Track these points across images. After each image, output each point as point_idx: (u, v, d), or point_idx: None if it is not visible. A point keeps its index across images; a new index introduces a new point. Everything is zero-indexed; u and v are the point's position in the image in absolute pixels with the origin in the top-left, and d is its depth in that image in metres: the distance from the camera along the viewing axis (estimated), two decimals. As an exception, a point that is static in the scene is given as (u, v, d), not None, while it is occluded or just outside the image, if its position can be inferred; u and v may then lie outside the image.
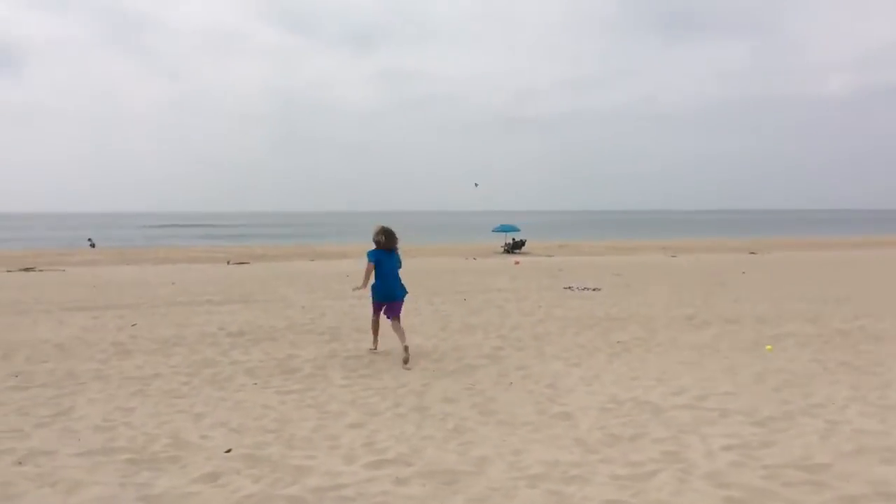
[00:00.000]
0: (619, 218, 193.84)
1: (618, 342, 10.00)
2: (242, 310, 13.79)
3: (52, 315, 13.16)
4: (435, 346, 9.85)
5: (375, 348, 9.58)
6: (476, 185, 62.15)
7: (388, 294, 9.21)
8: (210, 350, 9.62)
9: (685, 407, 6.61)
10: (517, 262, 29.66)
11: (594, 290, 17.12)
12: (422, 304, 14.28)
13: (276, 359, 9.02)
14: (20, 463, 5.27)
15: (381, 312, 9.39)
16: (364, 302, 13.80)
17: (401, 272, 9.34)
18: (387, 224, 9.37)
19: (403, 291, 9.35)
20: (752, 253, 36.86)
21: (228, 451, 5.54)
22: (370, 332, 9.75)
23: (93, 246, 52.74)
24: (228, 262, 32.14)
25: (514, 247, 43.64)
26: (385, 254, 9.13)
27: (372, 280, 9.19)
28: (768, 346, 9.50)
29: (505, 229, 46.17)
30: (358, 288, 9.25)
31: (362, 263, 9.38)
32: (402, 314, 9.48)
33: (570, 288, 17.63)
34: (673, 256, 34.45)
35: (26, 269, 27.51)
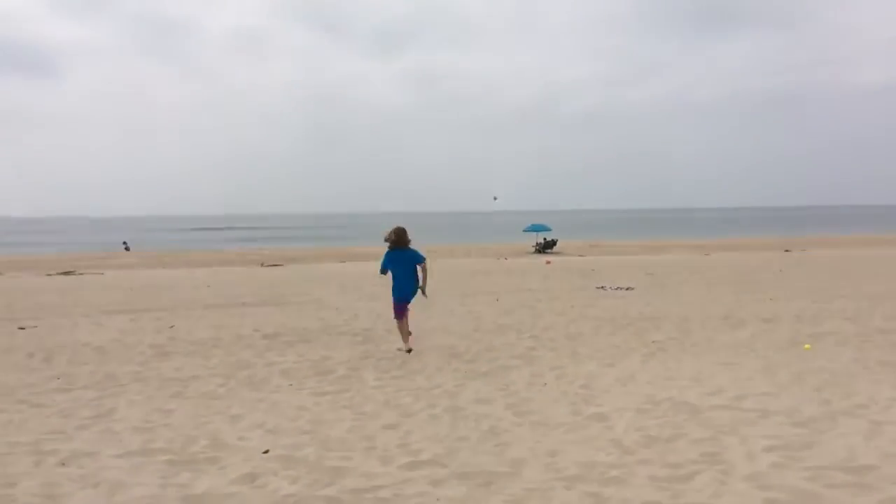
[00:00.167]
0: (651, 216, 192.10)
1: (652, 342, 9.91)
2: (276, 312, 13.92)
3: (92, 318, 13.41)
4: (468, 346, 9.84)
5: (405, 348, 9.62)
6: (495, 198, 61.16)
7: (403, 296, 9.56)
8: (246, 352, 9.73)
9: (723, 407, 6.51)
10: (548, 262, 29.55)
11: (627, 289, 16.98)
12: (454, 305, 14.29)
13: (310, 360, 9.09)
14: (64, 464, 5.37)
15: (402, 313, 9.65)
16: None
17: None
18: (402, 225, 9.73)
19: (415, 293, 9.60)
20: (787, 251, 36.29)
21: (266, 452, 5.59)
22: (398, 332, 9.87)
23: (128, 249, 53.63)
24: (262, 265, 32.46)
25: (546, 246, 43.44)
26: (399, 253, 9.46)
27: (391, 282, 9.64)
28: (807, 346, 9.34)
29: (536, 229, 45.98)
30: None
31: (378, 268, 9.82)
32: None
33: (602, 287, 17.52)
34: (706, 255, 34.04)
35: (66, 273, 28.06)
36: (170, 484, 4.95)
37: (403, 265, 9.52)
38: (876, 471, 4.84)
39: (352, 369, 8.55)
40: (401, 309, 9.62)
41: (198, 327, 11.97)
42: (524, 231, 48.13)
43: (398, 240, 9.45)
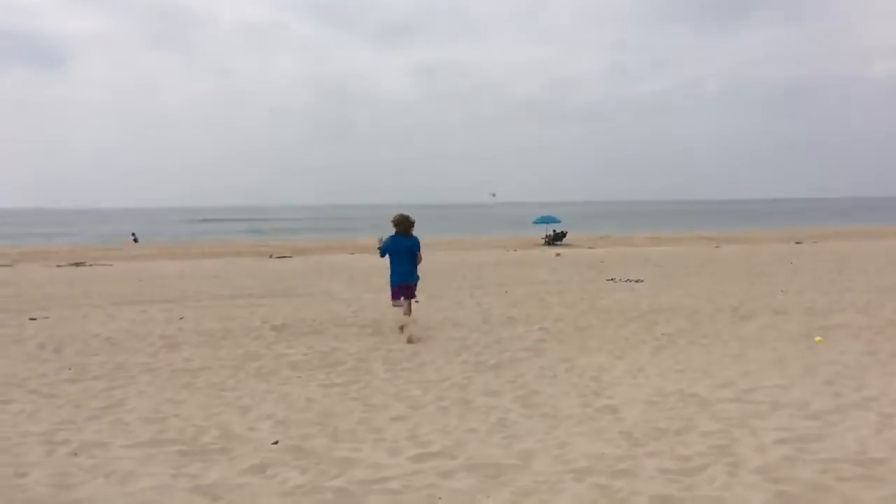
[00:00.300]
0: (661, 208, 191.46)
1: (662, 334, 9.88)
2: (285, 303, 13.95)
3: (102, 309, 13.48)
4: (477, 339, 9.84)
5: (402, 330, 10.10)
6: (493, 195, 60.67)
7: (401, 280, 10.07)
8: (255, 343, 9.76)
9: (733, 400, 6.49)
10: (558, 254, 29.49)
11: (637, 281, 16.94)
12: (464, 297, 14.30)
13: (319, 352, 9.11)
14: (75, 454, 5.41)
15: (401, 297, 10.14)
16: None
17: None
18: (409, 214, 10.29)
19: (415, 277, 10.19)
20: (798, 243, 36.08)
21: (275, 443, 5.61)
22: (396, 313, 10.50)
23: (136, 241, 53.76)
24: (271, 256, 32.53)
25: (555, 238, 43.36)
26: (401, 238, 10.02)
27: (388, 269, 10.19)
28: (818, 338, 9.29)
29: (545, 220, 45.90)
30: (377, 244, 10.26)
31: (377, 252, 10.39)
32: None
33: (612, 280, 17.48)
34: (717, 247, 33.90)
35: (76, 265, 28.20)
36: (180, 474, 4.98)
37: (404, 251, 10.03)
38: (887, 463, 4.82)
39: (361, 361, 8.56)
40: (398, 293, 10.09)
41: (207, 318, 12.01)
42: (534, 223, 48.04)
43: (401, 226, 10.02)
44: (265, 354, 9.03)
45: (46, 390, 7.36)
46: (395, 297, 10.14)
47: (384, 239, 10.19)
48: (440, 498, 4.50)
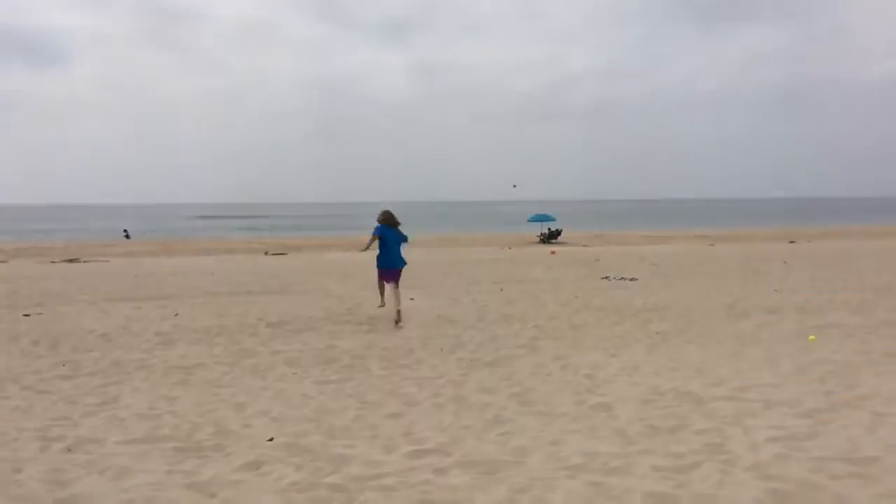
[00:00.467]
0: (656, 207, 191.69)
1: (656, 332, 9.92)
2: (281, 300, 13.95)
3: (97, 305, 13.46)
4: (472, 336, 9.87)
5: (383, 304, 11.80)
6: (515, 186, 60.50)
7: (389, 264, 11.20)
8: (250, 340, 9.77)
9: (727, 398, 6.53)
10: (553, 252, 29.53)
11: (631, 279, 16.97)
12: (459, 294, 14.31)
13: (315, 349, 9.12)
14: (70, 450, 5.41)
15: (385, 279, 11.37)
16: (402, 292, 13.90)
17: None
18: (393, 209, 11.56)
19: (402, 262, 11.34)
20: (792, 242, 36.20)
21: (271, 439, 5.62)
22: (377, 292, 11.91)
23: (128, 237, 53.56)
24: (266, 253, 32.50)
25: (551, 236, 43.40)
26: (388, 229, 11.14)
27: (378, 253, 11.28)
28: (811, 337, 9.33)
29: (541, 219, 45.94)
30: (363, 249, 11.97)
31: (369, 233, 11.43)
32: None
33: (607, 278, 17.51)
34: (711, 245, 33.99)
35: (71, 261, 28.14)
36: (175, 471, 4.99)
37: (392, 239, 11.16)
38: (879, 462, 4.85)
39: (356, 358, 8.57)
40: (385, 276, 11.32)
41: (202, 315, 12.01)
42: (529, 221, 48.08)
43: (387, 218, 11.19)
44: (261, 351, 9.04)
45: (41, 386, 7.36)
46: (382, 278, 11.43)
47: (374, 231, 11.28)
48: None
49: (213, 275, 19.90)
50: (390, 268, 11.23)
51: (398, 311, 10.84)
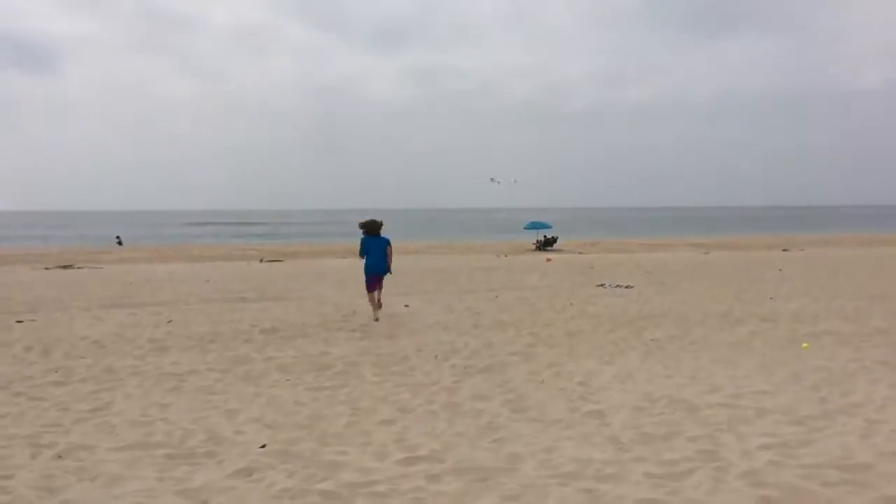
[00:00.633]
0: (652, 215, 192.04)
1: (651, 340, 9.92)
2: (275, 307, 13.93)
3: (90, 312, 13.42)
4: (466, 343, 9.85)
5: (377, 319, 11.77)
6: (497, 181, 60.09)
7: (374, 271, 11.83)
8: (244, 347, 9.74)
9: (720, 405, 6.52)
10: (549, 260, 29.55)
11: (627, 287, 16.98)
12: (454, 301, 14.30)
13: (308, 355, 9.10)
14: (61, 457, 5.38)
15: (370, 286, 11.88)
16: (397, 299, 13.89)
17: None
18: (375, 218, 12.14)
19: (384, 270, 11.88)
20: (785, 250, 36.30)
21: (263, 446, 5.60)
22: (370, 306, 12.08)
23: (121, 244, 53.39)
24: (262, 260, 32.46)
25: (546, 244, 43.45)
26: (372, 238, 11.84)
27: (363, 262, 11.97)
28: (805, 344, 9.35)
29: (536, 226, 45.99)
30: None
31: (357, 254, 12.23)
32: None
33: (602, 285, 17.53)
34: (706, 253, 34.05)
35: (64, 267, 28.06)
36: (167, 477, 4.97)
37: (375, 248, 11.80)
38: (871, 469, 4.86)
39: (350, 365, 8.55)
40: (372, 283, 11.85)
41: (196, 322, 11.97)
42: (525, 228, 48.14)
43: (370, 228, 11.83)
44: (254, 358, 9.01)
45: (32, 393, 7.32)
46: (369, 286, 11.92)
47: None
48: None
49: (208, 281, 19.86)
50: (376, 275, 11.87)
51: (377, 313, 11.85)
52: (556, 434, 5.82)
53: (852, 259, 26.85)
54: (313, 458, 5.31)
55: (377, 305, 11.94)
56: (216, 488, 4.76)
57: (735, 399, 6.73)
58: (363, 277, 12.03)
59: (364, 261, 11.89)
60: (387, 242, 11.92)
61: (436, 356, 8.95)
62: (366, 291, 12.06)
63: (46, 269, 27.13)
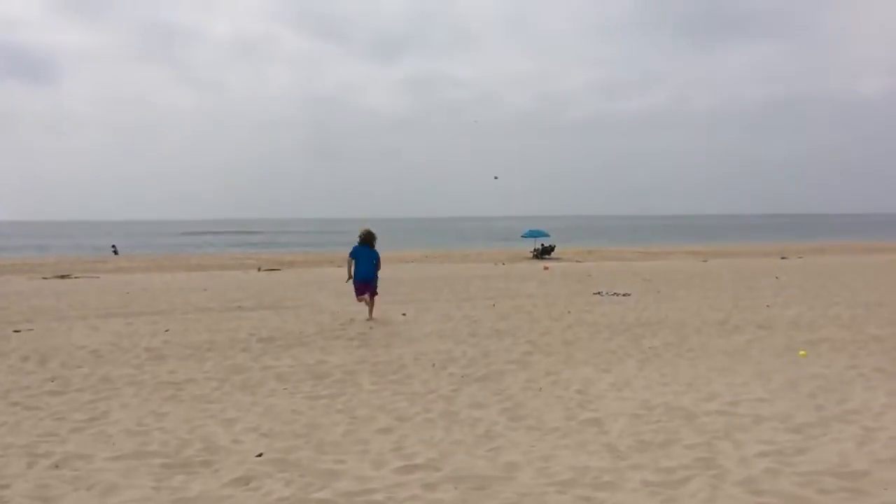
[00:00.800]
0: (649, 223, 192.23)
1: (649, 348, 9.92)
2: (272, 316, 13.92)
3: (87, 321, 13.40)
4: (464, 351, 9.85)
5: (370, 317, 12.78)
6: (496, 178, 61.30)
7: (364, 279, 12.75)
8: (241, 356, 9.73)
9: (718, 413, 6.53)
10: (546, 268, 29.56)
11: (624, 295, 17.00)
12: (451, 310, 14.30)
13: (305, 364, 9.09)
14: (57, 466, 5.37)
15: (364, 294, 12.78)
16: (394, 308, 13.90)
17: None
18: (371, 229, 13.20)
19: (372, 275, 12.81)
20: (783, 258, 36.34)
21: (260, 455, 5.59)
22: (365, 308, 12.95)
23: (116, 253, 53.22)
24: (259, 269, 32.43)
25: (544, 252, 43.44)
26: (364, 248, 12.85)
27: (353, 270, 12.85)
28: (802, 352, 9.36)
29: (534, 234, 45.99)
30: (348, 280, 12.98)
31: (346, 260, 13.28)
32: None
33: (599, 293, 17.53)
34: (704, 261, 34.09)
35: (62, 277, 28.01)
36: (163, 487, 4.95)
37: (365, 258, 12.76)
38: (868, 476, 4.86)
39: (347, 373, 8.54)
40: (360, 290, 12.75)
41: (193, 331, 11.96)
42: (522, 237, 48.13)
43: (367, 238, 12.90)
44: (251, 367, 8.99)
45: (29, 402, 7.30)
46: (358, 293, 12.82)
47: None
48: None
49: (206, 290, 19.84)
50: (367, 282, 12.79)
51: (370, 316, 12.82)
52: (553, 442, 5.82)
53: (849, 267, 26.89)
54: (310, 467, 5.30)
55: (372, 305, 12.91)
56: (213, 497, 4.75)
57: (732, 406, 6.73)
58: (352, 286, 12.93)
59: (353, 267, 12.75)
60: (377, 256, 12.96)
61: (433, 364, 8.95)
62: (355, 296, 12.96)
63: (44, 278, 27.07)
